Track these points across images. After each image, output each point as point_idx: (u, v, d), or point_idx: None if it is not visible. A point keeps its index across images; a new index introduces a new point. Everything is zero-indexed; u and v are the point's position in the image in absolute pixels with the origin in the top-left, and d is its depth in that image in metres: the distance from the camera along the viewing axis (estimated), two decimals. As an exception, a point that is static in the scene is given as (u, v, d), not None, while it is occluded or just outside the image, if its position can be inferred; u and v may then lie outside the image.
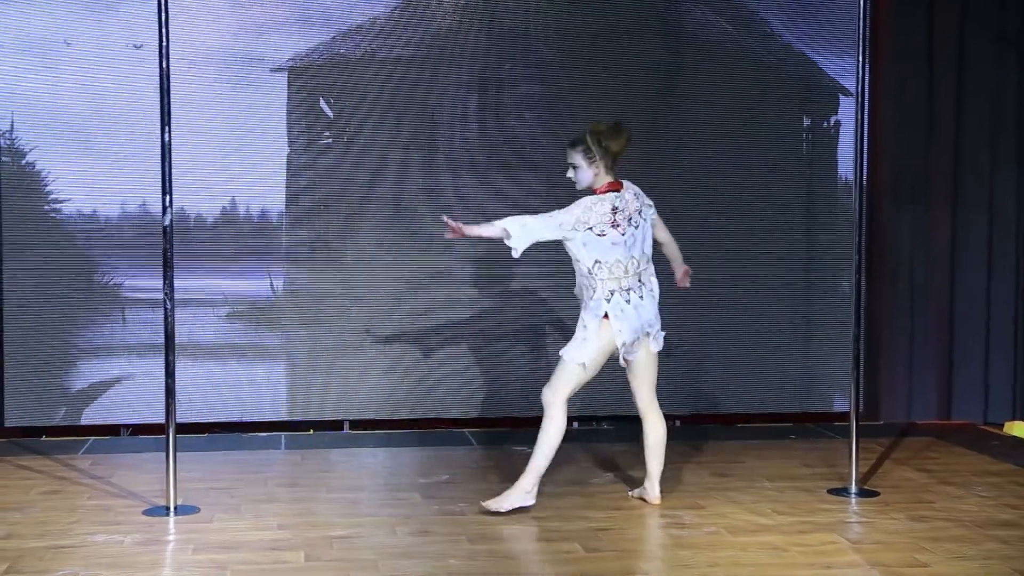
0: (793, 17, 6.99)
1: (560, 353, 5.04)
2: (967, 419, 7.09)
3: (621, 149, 4.98)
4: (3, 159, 6.47)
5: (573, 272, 4.96)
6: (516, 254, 4.92)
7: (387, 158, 6.76)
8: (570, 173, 5.02)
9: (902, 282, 7.09)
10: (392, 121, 6.74)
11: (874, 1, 6.61)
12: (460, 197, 6.78)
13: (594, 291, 4.95)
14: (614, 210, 4.94)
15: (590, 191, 5.01)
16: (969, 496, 5.34)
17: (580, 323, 5.01)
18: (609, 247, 4.93)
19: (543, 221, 4.90)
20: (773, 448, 6.36)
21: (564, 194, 6.81)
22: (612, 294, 4.94)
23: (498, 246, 6.71)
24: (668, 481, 5.52)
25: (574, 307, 6.84)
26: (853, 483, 5.36)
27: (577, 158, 4.98)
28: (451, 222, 4.89)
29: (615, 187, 4.99)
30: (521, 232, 4.88)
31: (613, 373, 6.97)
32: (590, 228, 4.90)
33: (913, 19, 6.98)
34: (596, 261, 4.93)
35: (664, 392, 6.92)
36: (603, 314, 4.93)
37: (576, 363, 4.98)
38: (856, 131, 5.37)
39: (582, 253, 4.93)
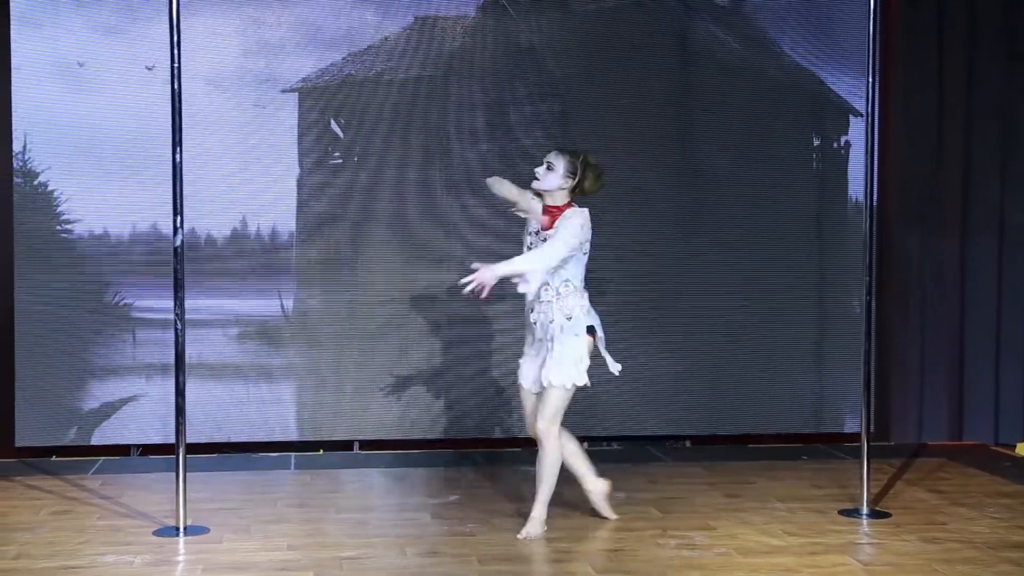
0: (804, 36, 7.01)
1: (550, 381, 4.91)
2: (978, 440, 7.06)
3: (590, 190, 5.02)
4: (16, 179, 6.49)
5: (589, 289, 4.87)
6: (528, 293, 4.87)
7: (398, 178, 6.77)
8: (541, 169, 4.99)
9: (912, 302, 7.07)
10: (403, 141, 6.76)
11: (884, 21, 6.62)
12: (471, 216, 6.79)
13: (573, 307, 4.92)
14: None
15: (541, 197, 5.00)
16: (981, 517, 5.31)
17: (561, 343, 4.91)
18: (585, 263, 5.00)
19: (556, 253, 4.84)
20: (784, 469, 6.33)
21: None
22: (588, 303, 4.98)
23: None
24: (679, 502, 5.51)
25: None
26: (864, 504, 5.34)
27: (559, 163, 4.98)
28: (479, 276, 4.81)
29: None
30: (539, 277, 4.85)
31: (620, 393, 6.99)
32: (580, 245, 4.93)
33: (923, 38, 6.98)
34: (566, 280, 4.94)
35: (675, 413, 6.95)
36: (587, 328, 4.92)
37: (570, 388, 4.93)
38: (866, 151, 5.37)
39: (575, 270, 4.95)
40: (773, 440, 7.05)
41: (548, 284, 4.92)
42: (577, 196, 5.02)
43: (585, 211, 4.96)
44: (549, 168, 4.98)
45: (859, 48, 6.49)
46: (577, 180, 4.98)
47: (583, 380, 4.93)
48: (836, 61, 7.02)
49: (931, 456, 6.67)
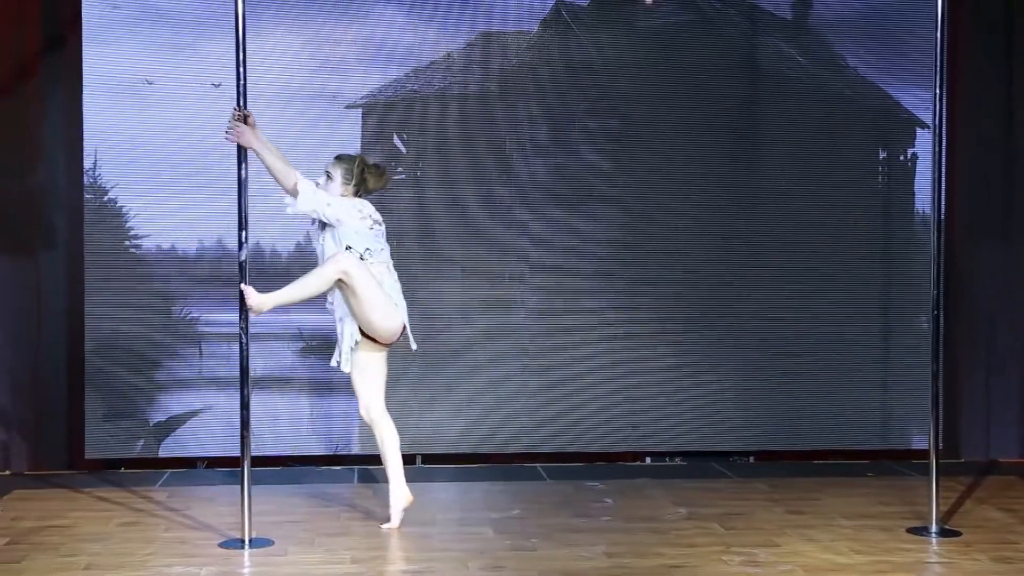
0: (870, 49, 6.94)
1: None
2: (1051, 457, 6.94)
3: (375, 188, 5.26)
4: (86, 195, 6.61)
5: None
6: (290, 211, 5.15)
7: (460, 193, 6.79)
8: (321, 179, 5.20)
9: (981, 316, 6.97)
10: (465, 156, 6.78)
11: (951, 32, 6.54)
12: (533, 232, 6.80)
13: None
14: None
15: None
16: (1054, 537, 5.21)
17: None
18: (382, 237, 5.20)
19: (328, 198, 5.08)
20: (850, 485, 6.25)
21: (636, 228, 6.84)
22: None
23: (578, 280, 6.77)
24: (743, 518, 5.45)
25: (649, 341, 6.85)
26: (933, 522, 5.25)
27: (336, 172, 5.22)
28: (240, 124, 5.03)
29: None
30: (311, 197, 5.06)
31: (683, 408, 6.94)
32: (364, 218, 5.10)
33: (991, 50, 6.89)
34: (367, 248, 5.14)
35: (739, 428, 6.89)
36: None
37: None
38: (934, 163, 5.29)
39: (357, 240, 5.12)
40: (838, 456, 6.97)
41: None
42: (365, 195, 5.23)
43: (350, 199, 5.14)
44: (328, 178, 5.21)
45: (926, 60, 6.41)
46: (356, 183, 5.19)
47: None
48: (902, 73, 6.94)
49: (1002, 473, 6.55)
